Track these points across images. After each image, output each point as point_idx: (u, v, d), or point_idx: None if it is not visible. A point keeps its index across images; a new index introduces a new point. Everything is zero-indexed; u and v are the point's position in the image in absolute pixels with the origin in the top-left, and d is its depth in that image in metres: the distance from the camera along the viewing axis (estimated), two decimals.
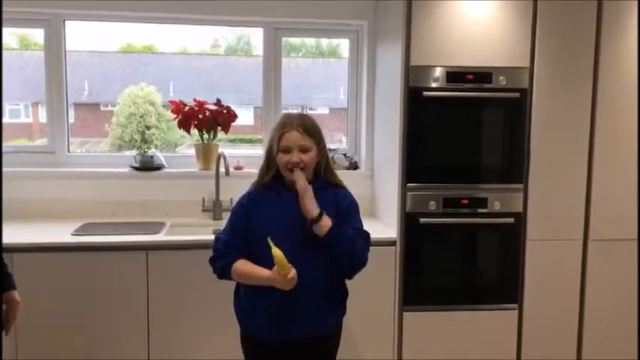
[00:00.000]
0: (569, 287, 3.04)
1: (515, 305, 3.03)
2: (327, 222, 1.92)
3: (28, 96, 3.96)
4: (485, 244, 3.04)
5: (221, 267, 2.01)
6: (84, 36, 3.50)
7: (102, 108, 4.15)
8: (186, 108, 3.39)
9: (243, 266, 1.97)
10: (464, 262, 3.04)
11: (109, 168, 3.39)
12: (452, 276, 3.02)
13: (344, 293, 2.11)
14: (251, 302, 2.01)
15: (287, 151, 1.97)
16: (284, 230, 1.94)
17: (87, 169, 3.35)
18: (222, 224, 3.18)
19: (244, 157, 3.51)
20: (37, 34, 3.45)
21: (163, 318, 2.79)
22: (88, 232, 2.92)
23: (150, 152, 3.40)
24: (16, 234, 2.74)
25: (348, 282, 2.12)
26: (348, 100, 3.67)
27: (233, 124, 3.46)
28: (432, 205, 2.92)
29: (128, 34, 3.75)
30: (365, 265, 2.01)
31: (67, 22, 3.38)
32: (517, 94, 2.90)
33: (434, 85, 2.86)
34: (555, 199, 2.97)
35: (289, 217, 1.97)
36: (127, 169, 3.37)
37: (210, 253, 2.08)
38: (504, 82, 2.89)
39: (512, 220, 2.96)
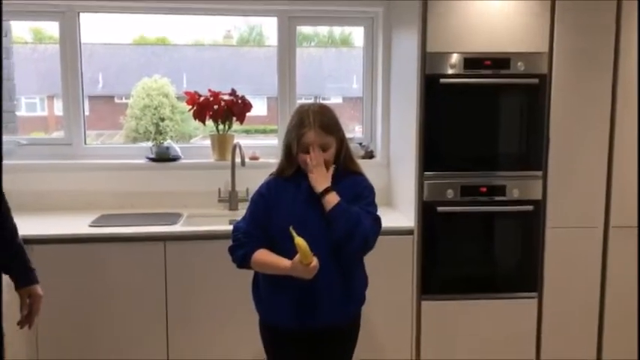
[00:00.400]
0: (589, 275, 3.01)
1: (534, 294, 2.99)
2: (334, 198, 1.91)
3: (43, 89, 3.99)
4: (504, 232, 3.00)
5: (241, 256, 2.00)
6: (98, 28, 3.51)
7: (116, 100, 4.16)
8: (202, 99, 3.39)
9: (264, 256, 1.96)
10: (482, 250, 3.01)
11: (125, 160, 3.39)
12: (470, 265, 3.00)
13: (364, 282, 2.10)
14: (272, 292, 2.01)
15: (307, 151, 1.96)
16: (304, 220, 1.92)
17: (103, 160, 3.37)
18: (239, 215, 3.20)
19: (259, 148, 3.50)
20: (51, 28, 3.45)
21: (182, 308, 2.80)
22: (105, 223, 2.93)
23: (166, 143, 3.40)
24: (33, 226, 2.75)
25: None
26: (363, 88, 3.63)
27: (247, 114, 3.45)
28: (450, 194, 2.89)
29: (141, 26, 3.75)
30: (370, 247, 1.96)
31: (81, 14, 3.38)
32: (536, 80, 2.85)
33: (451, 71, 2.82)
34: (575, 186, 2.93)
35: (309, 208, 1.96)
36: (143, 161, 3.38)
37: (228, 243, 2.08)
38: (523, 68, 2.84)
39: (531, 207, 2.93)
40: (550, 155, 2.91)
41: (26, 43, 3.62)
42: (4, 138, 1.66)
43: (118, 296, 2.76)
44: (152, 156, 3.37)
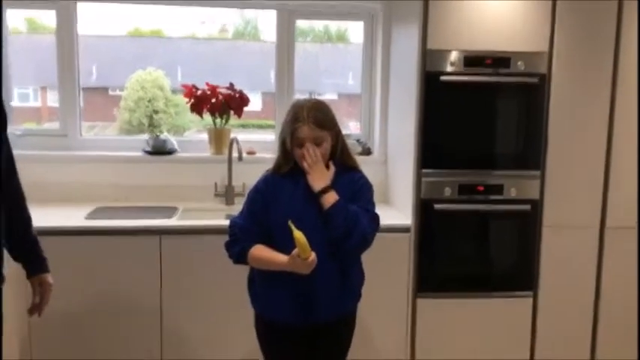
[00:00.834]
0: (585, 275, 3.02)
1: (530, 293, 3.00)
2: (332, 196, 1.91)
3: (36, 80, 3.94)
4: (501, 231, 3.01)
5: (237, 252, 1.99)
6: (92, 20, 3.46)
7: (110, 92, 4.13)
8: (199, 92, 3.36)
9: (261, 251, 1.95)
10: (479, 248, 3.01)
11: (122, 152, 3.37)
12: (466, 263, 3.00)
13: (361, 279, 2.10)
14: (268, 288, 2.00)
15: (301, 145, 1.95)
16: (301, 217, 1.91)
17: (99, 152, 3.34)
18: (235, 209, 3.19)
19: (256, 143, 3.48)
20: (46, 18, 3.41)
21: (176, 302, 2.79)
22: (100, 216, 2.91)
23: (162, 136, 3.38)
24: None
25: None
26: (361, 84, 3.62)
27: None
28: (447, 192, 2.89)
29: (136, 18, 3.71)
30: (368, 244, 1.96)
31: (78, 3, 3.34)
32: (536, 80, 2.85)
33: (451, 69, 2.81)
34: (572, 186, 2.94)
35: (307, 204, 1.95)
36: (139, 153, 3.35)
37: (224, 237, 2.07)
38: (523, 67, 2.84)
39: (528, 207, 2.93)
40: (548, 155, 2.91)
41: (20, 33, 3.57)
42: None
43: (113, 289, 2.74)
44: (148, 149, 3.34)
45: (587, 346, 3.07)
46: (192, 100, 3.35)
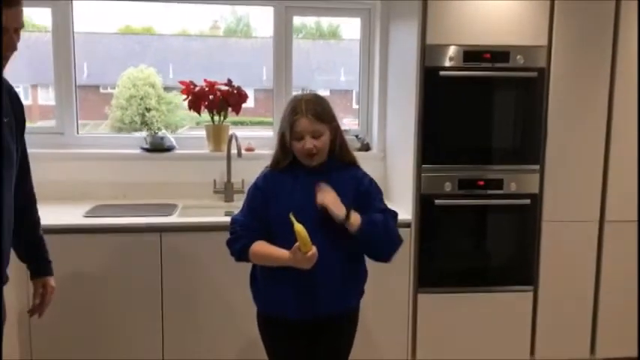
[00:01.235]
0: (584, 268, 3.03)
1: (530, 287, 3.01)
2: (356, 218, 1.89)
3: (28, 78, 3.91)
4: (501, 226, 3.01)
5: (239, 249, 1.98)
6: (82, 17, 3.42)
7: (101, 90, 4.10)
8: (197, 89, 3.34)
9: (262, 247, 1.95)
10: (479, 243, 3.01)
11: (119, 149, 3.35)
12: (467, 258, 3.00)
13: (364, 275, 2.09)
14: (270, 284, 1.99)
15: (300, 138, 1.94)
16: (302, 211, 1.89)
17: (97, 150, 3.32)
18: (234, 206, 3.20)
19: (253, 139, 3.46)
20: (36, 16, 3.38)
21: (177, 300, 2.78)
22: (99, 213, 2.89)
23: (160, 134, 3.36)
24: None
25: None
26: (359, 80, 3.61)
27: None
28: (448, 187, 2.89)
29: (127, 15, 3.69)
30: (401, 243, 1.99)
31: (74, 1, 3.31)
32: (535, 74, 2.86)
33: (450, 64, 2.81)
34: (572, 180, 2.95)
35: (307, 198, 1.94)
36: (137, 151, 3.33)
37: (224, 234, 2.06)
38: (522, 62, 2.84)
39: (528, 201, 2.94)
40: (547, 149, 2.92)
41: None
42: None
43: (113, 287, 2.73)
44: (146, 146, 3.32)
45: (587, 340, 3.08)
46: (190, 97, 3.33)
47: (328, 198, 1.88)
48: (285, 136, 1.96)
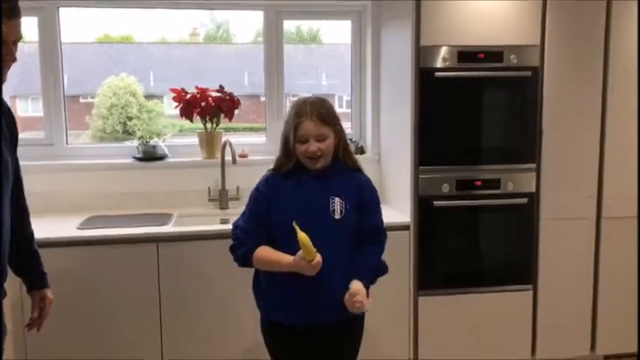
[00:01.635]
0: (583, 265, 3.04)
1: (529, 286, 3.01)
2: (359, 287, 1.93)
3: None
4: (499, 226, 3.01)
5: (242, 255, 1.96)
6: (61, 27, 3.37)
7: (81, 100, 4.05)
8: (188, 96, 3.30)
9: (265, 253, 1.92)
10: (478, 244, 3.01)
11: (111, 159, 3.29)
12: (466, 258, 3.00)
13: None
14: (274, 289, 1.96)
15: (304, 141, 1.92)
16: (305, 215, 1.88)
17: (88, 161, 3.26)
18: (230, 213, 3.17)
19: (245, 145, 3.42)
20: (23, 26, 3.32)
21: (176, 310, 2.74)
22: (93, 225, 2.84)
23: (152, 142, 3.31)
24: None
25: None
26: (351, 82, 3.60)
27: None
28: (445, 188, 2.88)
29: (105, 24, 3.64)
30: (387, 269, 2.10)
31: (61, 9, 3.26)
32: (528, 73, 2.86)
33: (444, 65, 2.81)
34: (568, 177, 2.96)
35: (310, 202, 1.93)
36: (129, 160, 3.28)
37: (223, 242, 2.04)
38: (515, 61, 2.85)
39: (525, 200, 2.94)
40: (543, 147, 2.92)
41: None
42: None
43: (111, 299, 2.68)
44: (138, 155, 3.28)
45: (587, 337, 3.09)
46: (182, 104, 3.29)
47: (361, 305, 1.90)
48: (289, 139, 1.94)
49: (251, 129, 3.92)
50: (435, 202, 2.87)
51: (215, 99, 3.31)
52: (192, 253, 2.72)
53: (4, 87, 1.69)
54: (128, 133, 3.62)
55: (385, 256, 2.76)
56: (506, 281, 3.00)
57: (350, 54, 3.57)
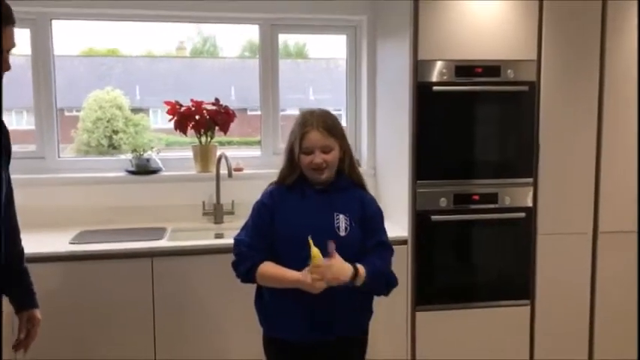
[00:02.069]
0: (580, 280, 3.02)
1: (527, 301, 2.99)
2: (361, 274, 1.84)
3: None
4: (497, 240, 2.99)
5: (245, 271, 1.91)
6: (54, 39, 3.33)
7: (66, 113, 4.01)
8: (183, 109, 3.27)
9: (270, 268, 1.88)
10: (475, 258, 2.99)
11: (103, 173, 3.25)
12: (464, 273, 2.97)
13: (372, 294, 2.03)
14: (279, 305, 1.92)
15: (309, 152, 1.89)
16: (310, 229, 1.84)
17: (80, 174, 3.21)
18: (224, 228, 3.13)
19: (239, 159, 3.39)
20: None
21: (171, 326, 2.68)
22: (86, 240, 2.79)
23: (146, 155, 3.27)
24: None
25: None
26: (346, 97, 3.59)
27: None
28: (443, 202, 2.87)
29: (90, 37, 3.61)
30: (397, 284, 2.00)
31: (53, 21, 3.23)
32: (525, 88, 2.87)
33: (442, 79, 2.80)
34: (565, 192, 2.95)
35: (314, 218, 1.90)
36: (122, 174, 3.24)
37: (218, 257, 2.01)
38: (512, 76, 2.85)
39: (522, 214, 2.93)
40: (540, 162, 2.92)
41: None
42: None
43: (104, 316, 2.62)
44: (132, 168, 3.23)
45: (584, 351, 3.07)
46: (176, 117, 3.26)
47: (332, 274, 1.77)
48: (294, 151, 1.91)
49: (246, 143, 3.89)
50: (432, 217, 2.85)
51: (210, 112, 3.28)
52: (187, 268, 2.67)
53: None
54: (114, 147, 3.58)
55: None
56: (503, 296, 2.98)
57: (345, 68, 3.57)
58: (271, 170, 2.73)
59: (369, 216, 1.96)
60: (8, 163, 1.78)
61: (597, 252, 3.01)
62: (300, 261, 1.81)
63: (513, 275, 2.99)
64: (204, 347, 2.72)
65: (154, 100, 3.35)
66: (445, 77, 2.81)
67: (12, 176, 3.07)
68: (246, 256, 1.91)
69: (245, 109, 4.08)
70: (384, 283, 1.93)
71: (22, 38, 3.18)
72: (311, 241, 1.76)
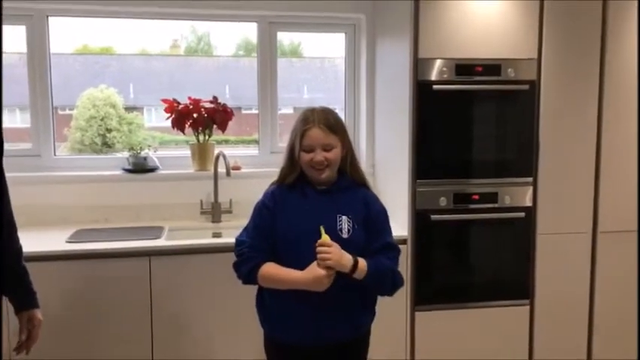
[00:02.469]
0: (579, 280, 3.02)
1: (526, 301, 2.98)
2: (362, 267, 1.81)
3: None
4: (496, 240, 2.97)
5: (247, 272, 1.88)
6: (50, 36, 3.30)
7: (60, 112, 3.98)
8: (181, 106, 3.24)
9: (273, 270, 1.85)
10: (475, 258, 2.97)
11: (100, 171, 3.21)
12: (463, 273, 2.96)
13: (375, 295, 2.01)
14: (281, 306, 1.89)
15: (310, 150, 1.86)
16: (312, 230, 1.82)
17: (76, 172, 3.18)
18: (222, 227, 3.11)
19: (238, 158, 3.36)
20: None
21: (168, 325, 2.66)
22: (83, 239, 2.76)
23: (143, 153, 3.24)
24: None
25: None
26: (345, 96, 3.57)
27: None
28: (443, 202, 2.85)
29: (84, 35, 3.58)
30: (403, 284, 1.97)
31: (50, 18, 3.20)
32: (526, 86, 2.86)
33: (442, 78, 2.79)
34: (564, 192, 2.94)
35: (316, 216, 1.86)
36: (119, 172, 3.21)
37: (216, 257, 1.98)
38: (513, 75, 2.84)
39: (522, 214, 2.92)
40: (540, 161, 2.91)
41: None
42: None
43: (101, 315, 2.59)
44: (129, 167, 3.20)
45: (583, 350, 3.07)
46: (174, 115, 3.23)
47: (333, 258, 1.76)
48: (295, 149, 1.88)
49: (242, 142, 3.87)
50: (432, 216, 2.83)
51: (208, 110, 3.25)
52: (185, 268, 2.65)
53: None
54: (107, 146, 3.55)
55: None
56: (503, 296, 2.97)
57: (344, 66, 3.55)
58: (269, 169, 2.73)
59: (373, 216, 1.92)
60: (1, 158, 1.73)
61: (597, 252, 3.00)
62: (301, 262, 1.79)
63: (513, 275, 2.98)
64: (202, 347, 2.70)
65: (148, 98, 3.31)
66: (445, 76, 2.79)
67: (7, 174, 3.04)
68: (248, 256, 1.88)
69: (240, 108, 4.06)
70: (390, 281, 1.89)
71: (16, 35, 3.16)
72: (322, 229, 1.76)
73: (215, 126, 3.28)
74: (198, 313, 2.67)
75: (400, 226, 2.91)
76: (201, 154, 3.25)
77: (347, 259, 1.78)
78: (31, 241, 2.64)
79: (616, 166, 2.96)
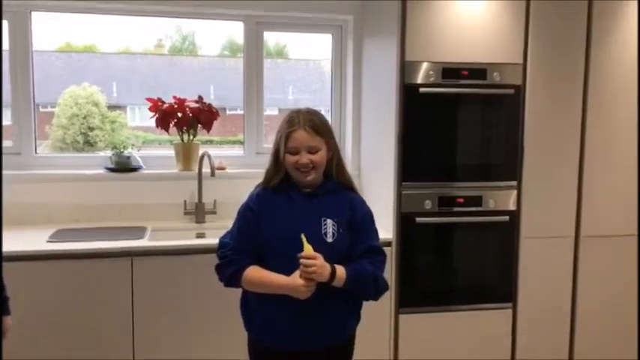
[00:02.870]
0: (561, 284, 3.04)
1: (509, 304, 3.00)
2: (341, 273, 1.79)
3: None
4: (481, 243, 2.99)
5: (229, 275, 1.85)
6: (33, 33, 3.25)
7: (41, 109, 3.93)
8: (165, 106, 3.21)
9: (257, 273, 1.83)
10: (459, 261, 2.98)
11: (82, 170, 3.17)
12: (447, 276, 2.97)
13: (360, 300, 1.99)
14: (265, 311, 1.87)
15: (295, 152, 1.85)
16: (297, 233, 1.80)
17: (57, 171, 3.13)
18: (206, 227, 3.09)
19: (221, 158, 3.34)
20: None
21: (150, 327, 2.63)
22: (64, 238, 2.71)
23: (126, 152, 3.20)
24: None
25: None
26: (331, 98, 3.56)
27: None
28: (428, 204, 2.86)
29: (68, 32, 3.53)
30: (387, 289, 1.95)
31: (33, 13, 3.15)
32: (511, 91, 2.87)
33: (428, 81, 2.79)
34: (548, 196, 2.96)
35: (301, 220, 1.85)
36: (101, 171, 3.17)
37: (200, 258, 1.96)
38: (498, 79, 2.85)
39: (506, 218, 2.93)
40: (524, 165, 2.93)
41: None
42: None
43: (82, 316, 2.55)
44: (111, 166, 3.16)
45: (565, 353, 3.09)
46: (158, 115, 3.20)
47: (317, 271, 1.73)
48: (280, 151, 1.86)
49: (227, 142, 3.84)
50: (417, 219, 2.83)
51: (193, 110, 3.23)
52: (168, 269, 2.62)
53: None
54: (89, 144, 3.50)
55: None
56: (486, 299, 2.98)
57: (330, 67, 3.55)
58: (254, 170, 2.70)
59: (359, 219, 1.91)
60: None
61: (579, 256, 3.03)
62: (286, 266, 1.77)
63: (496, 278, 2.99)
64: (184, 348, 2.67)
65: (132, 97, 3.26)
66: (432, 79, 2.80)
67: None
68: (231, 259, 1.85)
69: (224, 109, 4.04)
70: (373, 287, 1.87)
71: None
72: (304, 238, 1.74)
73: (200, 126, 3.25)
74: (181, 314, 2.65)
75: (385, 229, 2.89)
76: (185, 153, 3.22)
77: (326, 268, 1.77)
78: (10, 241, 2.61)
79: (599, 171, 2.98)
